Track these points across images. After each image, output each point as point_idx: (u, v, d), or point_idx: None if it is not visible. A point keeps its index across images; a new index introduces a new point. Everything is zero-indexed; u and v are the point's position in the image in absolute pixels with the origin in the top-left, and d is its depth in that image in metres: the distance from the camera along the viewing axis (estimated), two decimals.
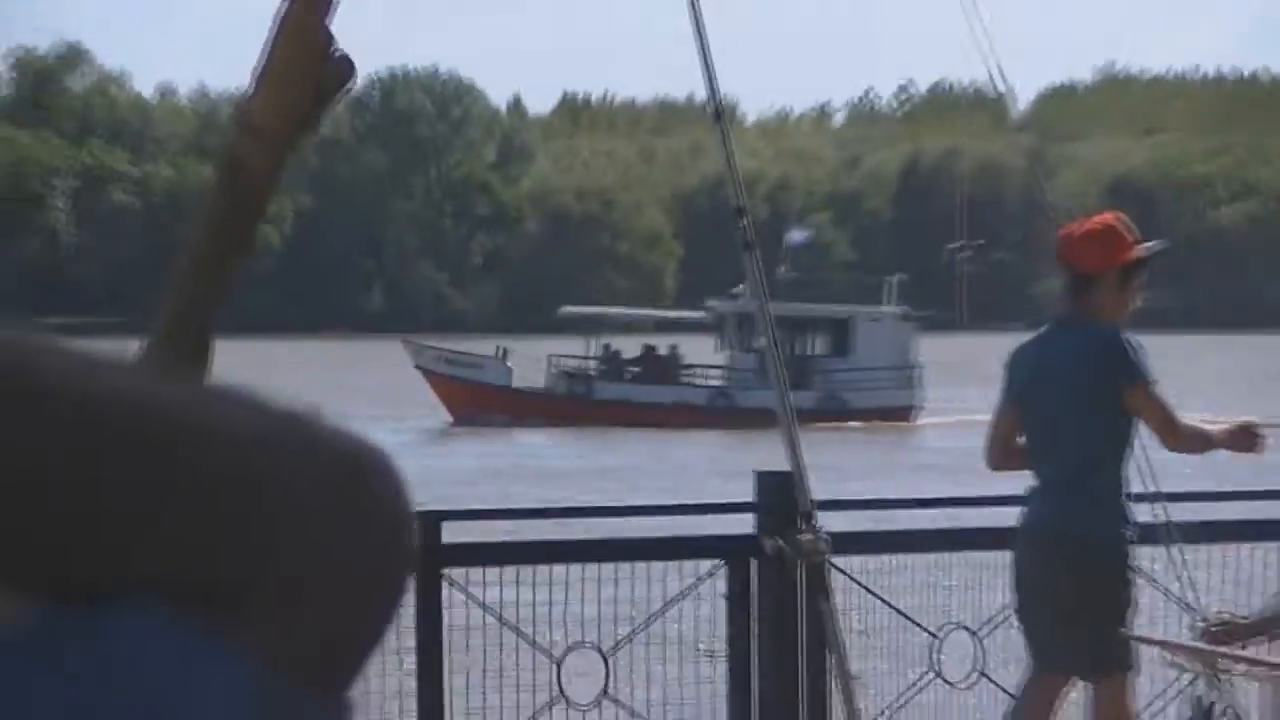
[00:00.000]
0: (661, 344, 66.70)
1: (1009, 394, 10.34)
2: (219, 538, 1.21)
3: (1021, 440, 10.28)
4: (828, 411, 55.29)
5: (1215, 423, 10.69)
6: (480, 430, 54.07)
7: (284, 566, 1.22)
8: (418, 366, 63.23)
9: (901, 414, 59.56)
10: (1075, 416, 9.95)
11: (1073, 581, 9.87)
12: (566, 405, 60.59)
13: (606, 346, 65.65)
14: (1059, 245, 10.36)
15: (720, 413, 58.25)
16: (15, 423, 1.21)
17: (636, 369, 64.72)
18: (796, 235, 76.35)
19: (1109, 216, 10.76)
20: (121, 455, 1.21)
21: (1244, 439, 10.03)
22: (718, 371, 63.88)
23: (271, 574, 1.22)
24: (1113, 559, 9.88)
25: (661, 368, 64.62)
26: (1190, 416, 10.52)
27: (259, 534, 1.22)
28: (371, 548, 1.27)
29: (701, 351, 65.85)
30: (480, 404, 59.50)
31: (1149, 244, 10.48)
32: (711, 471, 35.94)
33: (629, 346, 66.32)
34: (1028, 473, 10.25)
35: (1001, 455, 10.22)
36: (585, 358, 65.08)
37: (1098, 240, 10.04)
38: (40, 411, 1.22)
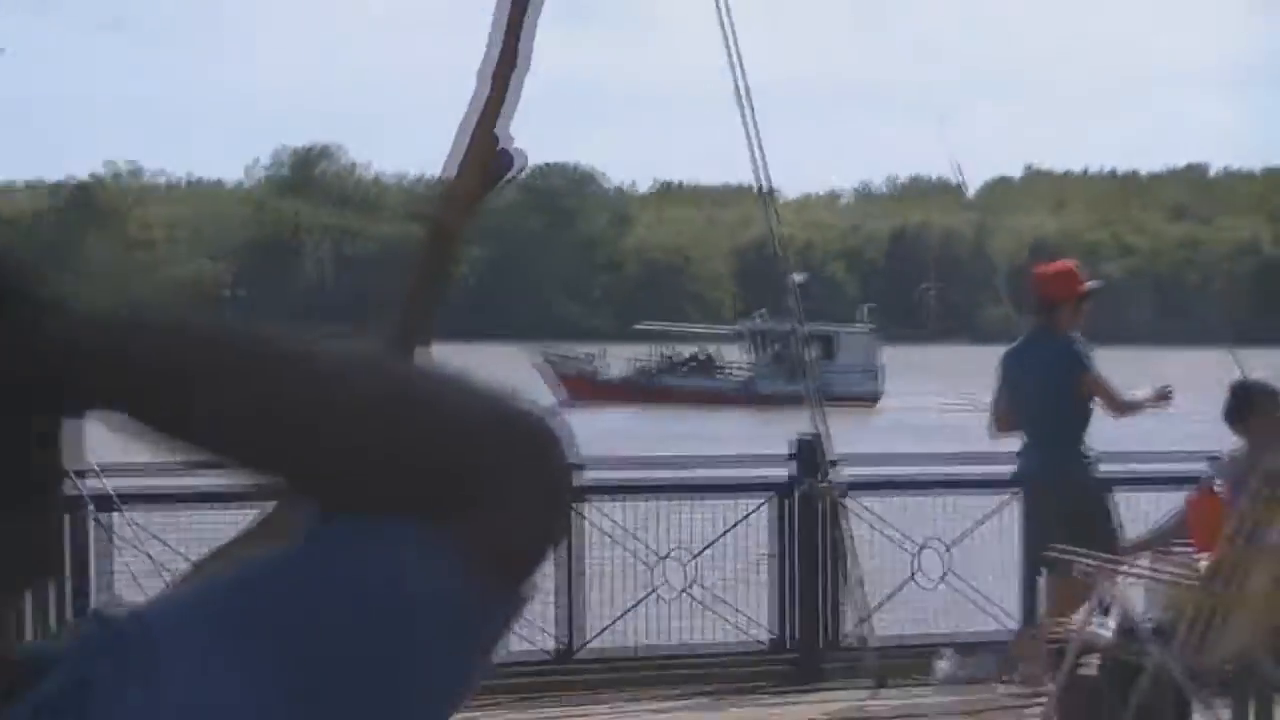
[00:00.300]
0: (707, 350, 69.91)
1: (1003, 383, 10.63)
2: (451, 468, 1.27)
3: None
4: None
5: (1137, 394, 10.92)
6: (578, 407, 55.84)
7: (489, 492, 1.27)
8: (545, 362, 65.46)
9: (869, 399, 60.35)
10: (1048, 397, 10.24)
11: (1053, 511, 10.09)
12: (638, 391, 62.45)
13: (665, 351, 68.63)
14: (1034, 279, 10.85)
15: (745, 397, 59.92)
16: (366, 398, 1.29)
17: (688, 366, 67.57)
18: (797, 277, 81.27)
19: (1069, 262, 11.39)
20: (411, 420, 1.28)
21: (1159, 399, 10.36)
22: (744, 369, 66.42)
23: (481, 497, 1.26)
24: (1079, 493, 10.17)
25: (705, 365, 67.71)
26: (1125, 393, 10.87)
27: (478, 468, 1.28)
28: (547, 482, 1.31)
29: (733, 355, 68.75)
30: (577, 389, 61.00)
31: (1093, 282, 11.00)
32: (739, 437, 36.57)
33: (686, 351, 69.38)
34: (1018, 434, 10.53)
35: (999, 425, 10.48)
36: (653, 359, 67.98)
37: (1062, 277, 10.51)
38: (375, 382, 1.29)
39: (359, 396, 1.35)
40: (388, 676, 1.26)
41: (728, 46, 10.48)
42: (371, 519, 1.26)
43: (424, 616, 1.26)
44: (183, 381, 1.25)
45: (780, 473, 10.37)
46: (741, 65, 10.41)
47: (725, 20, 10.55)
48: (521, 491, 1.28)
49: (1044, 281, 10.67)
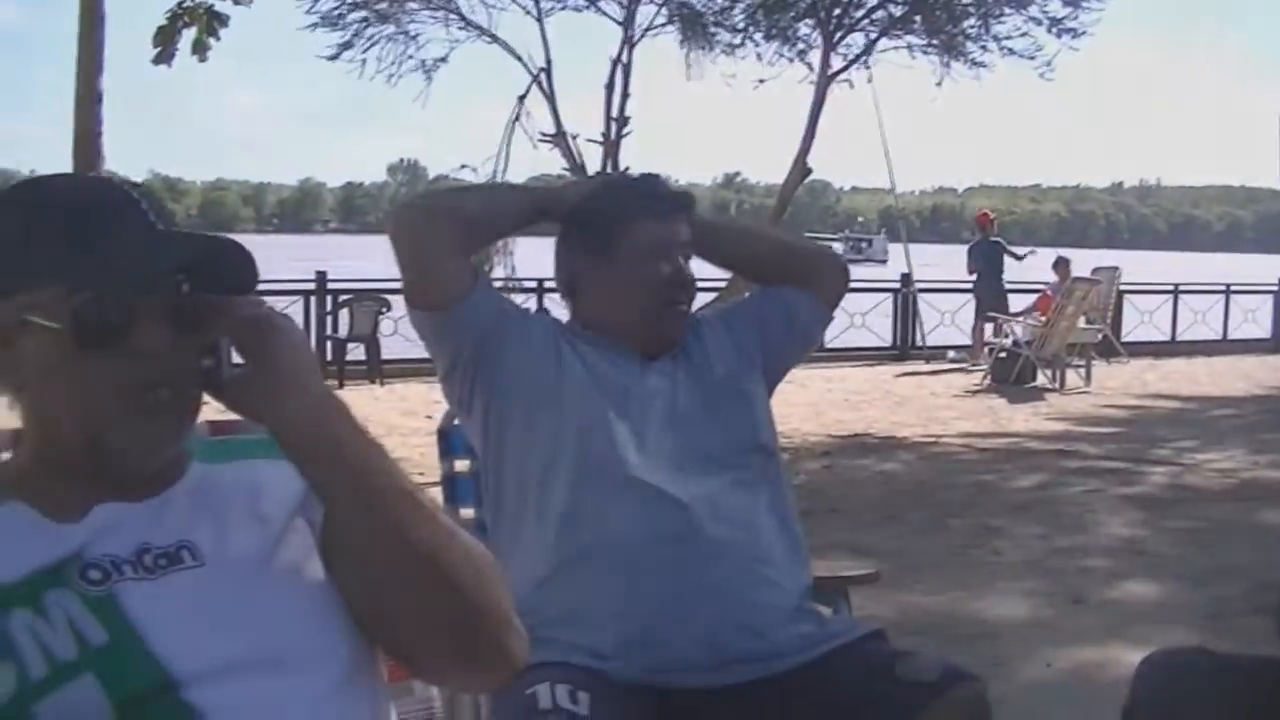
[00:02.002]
0: None
1: None
2: (814, 266, 3.34)
3: None
4: None
5: None
6: None
7: (826, 277, 3.32)
8: None
9: None
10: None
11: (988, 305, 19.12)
12: None
13: None
14: None
15: None
16: None
17: None
18: None
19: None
20: (800, 248, 3.43)
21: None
22: None
23: (823, 279, 3.33)
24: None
25: None
26: None
27: (822, 267, 3.36)
28: (843, 275, 3.40)
29: None
30: None
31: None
32: None
33: None
34: None
35: None
36: None
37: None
38: None
39: (770, 238, 3.40)
40: (789, 317, 3.14)
41: None
42: (781, 287, 3.18)
43: (805, 311, 3.19)
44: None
45: None
46: None
47: None
48: (834, 277, 3.31)
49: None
